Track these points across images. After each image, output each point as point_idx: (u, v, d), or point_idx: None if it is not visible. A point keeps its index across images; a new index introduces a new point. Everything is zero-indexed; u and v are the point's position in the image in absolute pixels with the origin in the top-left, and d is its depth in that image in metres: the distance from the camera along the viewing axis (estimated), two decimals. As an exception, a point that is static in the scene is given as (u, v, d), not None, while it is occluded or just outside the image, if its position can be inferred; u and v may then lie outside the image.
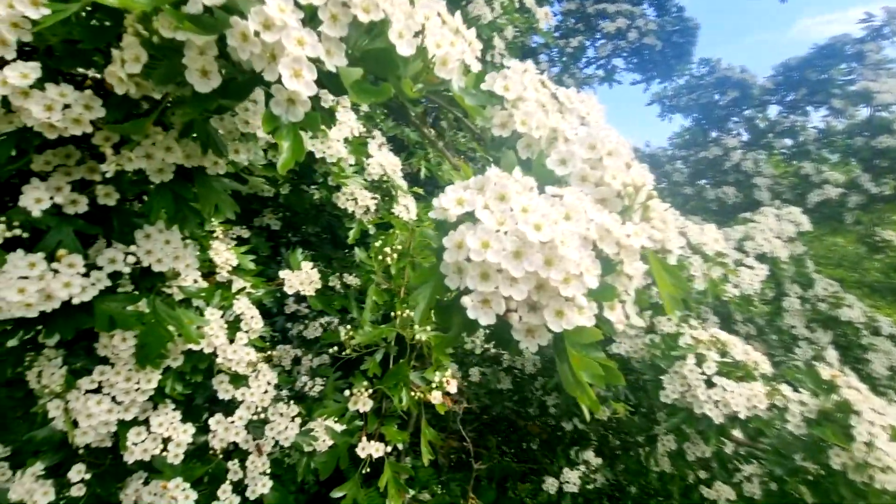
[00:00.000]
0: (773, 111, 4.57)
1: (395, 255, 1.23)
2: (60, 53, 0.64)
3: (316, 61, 0.50)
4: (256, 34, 0.47)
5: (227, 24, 0.47)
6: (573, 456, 2.90)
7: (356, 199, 1.71)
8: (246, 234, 1.81)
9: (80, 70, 0.67)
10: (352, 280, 1.96)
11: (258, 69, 0.49)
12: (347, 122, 1.55)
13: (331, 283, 2.01)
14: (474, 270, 0.48)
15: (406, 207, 1.86)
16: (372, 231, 1.76)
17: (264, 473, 1.25)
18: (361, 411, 1.06)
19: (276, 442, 1.32)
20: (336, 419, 1.09)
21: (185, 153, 0.77)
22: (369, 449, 1.03)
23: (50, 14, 0.55)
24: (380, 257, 1.20)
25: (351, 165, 1.70)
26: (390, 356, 1.15)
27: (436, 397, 1.04)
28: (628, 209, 0.58)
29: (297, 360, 2.16)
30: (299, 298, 1.86)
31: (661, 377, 1.52)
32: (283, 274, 1.53)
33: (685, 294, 0.60)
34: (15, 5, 0.60)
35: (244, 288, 1.41)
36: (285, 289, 1.52)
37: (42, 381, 1.06)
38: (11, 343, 0.98)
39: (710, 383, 1.42)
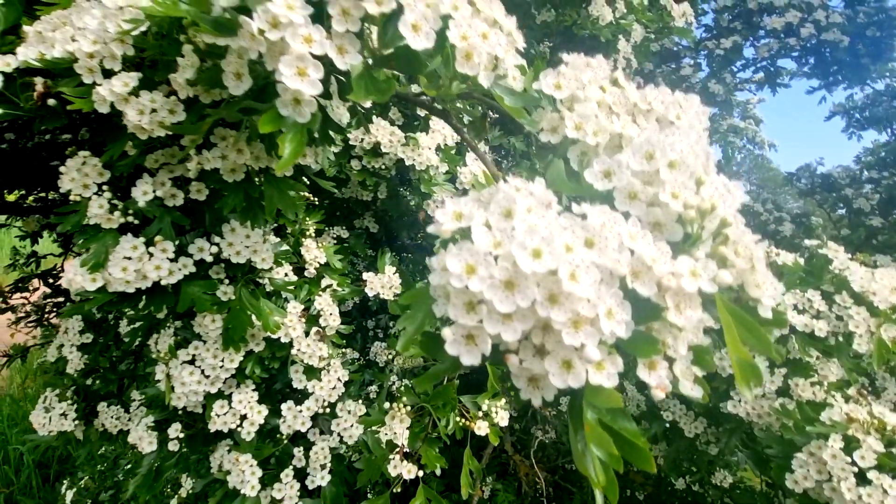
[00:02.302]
0: None
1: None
2: (157, 65, 0.73)
3: (326, 60, 0.48)
4: (261, 32, 0.46)
5: (240, 24, 0.48)
6: (682, 524, 2.48)
7: (446, 207, 1.70)
8: (345, 234, 1.92)
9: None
10: (439, 288, 1.95)
11: (269, 69, 0.49)
12: (441, 130, 1.54)
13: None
14: (457, 299, 0.40)
15: (487, 175, 1.79)
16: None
17: (324, 466, 1.29)
18: (397, 429, 1.03)
19: (340, 438, 1.36)
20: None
21: (254, 155, 0.82)
22: (401, 468, 0.99)
23: (129, 27, 0.61)
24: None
25: (444, 173, 1.69)
26: (444, 376, 1.09)
27: (480, 427, 0.95)
28: (693, 239, 0.44)
29: (392, 359, 2.23)
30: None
31: (793, 456, 1.20)
32: (367, 276, 1.59)
33: (773, 355, 0.43)
34: (122, 25, 0.70)
35: (330, 285, 1.49)
36: (366, 290, 1.57)
37: (157, 346, 1.25)
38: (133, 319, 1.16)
39: (862, 479, 1.07)
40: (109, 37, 0.71)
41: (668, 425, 1.70)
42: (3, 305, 2.59)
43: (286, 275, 1.36)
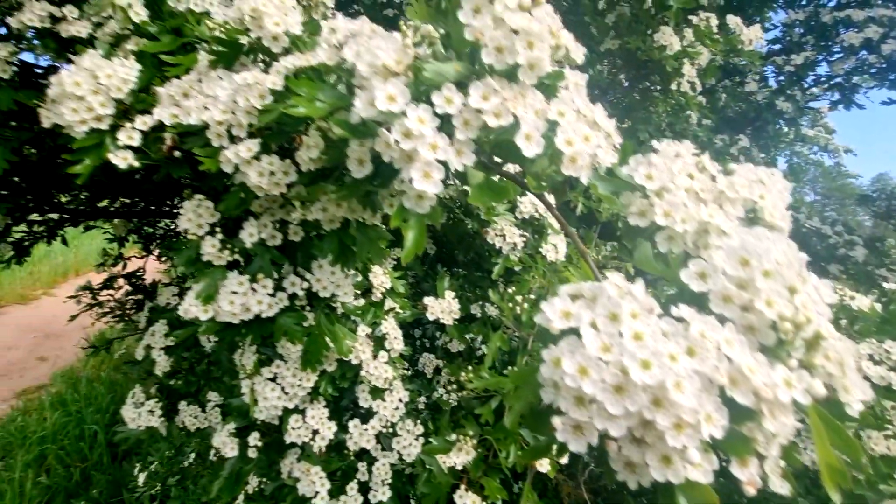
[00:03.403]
0: None
1: (524, 304, 1.22)
2: (273, 134, 0.82)
3: (445, 162, 0.55)
4: (396, 142, 0.53)
5: (376, 133, 0.55)
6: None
7: (504, 235, 1.75)
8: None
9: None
10: (493, 311, 2.01)
11: (397, 167, 0.56)
12: (504, 164, 1.59)
13: (473, 311, 2.09)
14: (568, 393, 0.45)
15: (555, 246, 1.83)
16: (518, 268, 1.78)
17: (386, 482, 1.38)
18: (463, 460, 1.09)
19: (400, 455, 1.44)
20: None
21: (350, 208, 0.90)
22: (466, 499, 1.05)
23: (268, 110, 0.71)
24: (510, 304, 1.21)
25: (504, 204, 1.75)
26: (506, 407, 1.14)
27: (543, 463, 1.00)
28: (786, 345, 0.48)
29: (437, 370, 2.30)
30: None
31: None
32: (427, 300, 1.66)
33: (860, 460, 0.46)
34: (251, 100, 0.80)
35: (393, 308, 1.58)
36: (427, 315, 1.64)
37: (241, 361, 1.37)
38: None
39: (940, 546, 1.03)
40: (238, 108, 0.81)
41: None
42: (93, 301, 2.86)
43: (355, 299, 1.46)
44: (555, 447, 0.50)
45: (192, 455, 2.76)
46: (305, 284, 1.07)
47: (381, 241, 0.96)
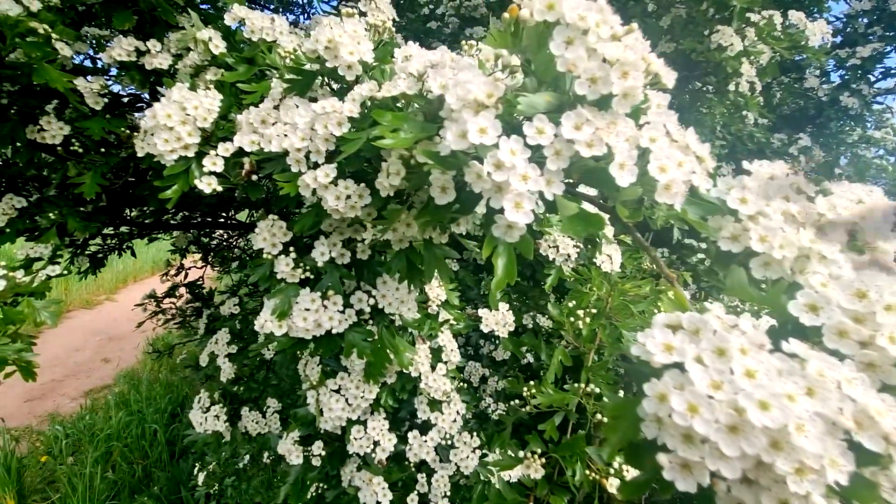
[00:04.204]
0: None
1: (587, 319, 1.20)
2: (349, 159, 0.85)
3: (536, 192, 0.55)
4: (488, 174, 0.54)
5: (465, 163, 0.56)
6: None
7: (557, 246, 1.73)
8: (455, 266, 2.03)
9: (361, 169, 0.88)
10: (544, 322, 1.99)
11: (486, 197, 0.57)
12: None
13: (524, 321, 2.08)
14: (676, 431, 0.45)
15: (609, 257, 1.79)
16: (571, 280, 1.76)
17: (446, 495, 1.39)
18: (532, 477, 1.08)
19: (458, 467, 1.45)
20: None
21: (421, 229, 0.92)
22: (537, 519, 1.04)
23: (351, 139, 0.73)
24: (570, 318, 1.19)
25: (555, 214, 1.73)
26: (570, 423, 1.13)
27: (612, 485, 0.98)
28: (911, 382, 0.45)
29: (483, 379, 2.29)
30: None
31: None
32: (482, 313, 1.67)
33: None
34: (329, 127, 0.83)
35: (447, 320, 1.60)
36: (482, 327, 1.65)
37: (305, 372, 1.42)
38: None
39: None
40: (317, 135, 0.84)
41: None
42: (157, 308, 3.04)
43: (410, 310, 1.48)
44: (655, 483, 0.49)
45: (248, 457, 2.88)
46: (371, 301, 1.10)
47: (447, 259, 0.98)
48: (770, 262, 0.59)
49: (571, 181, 0.61)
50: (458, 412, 1.45)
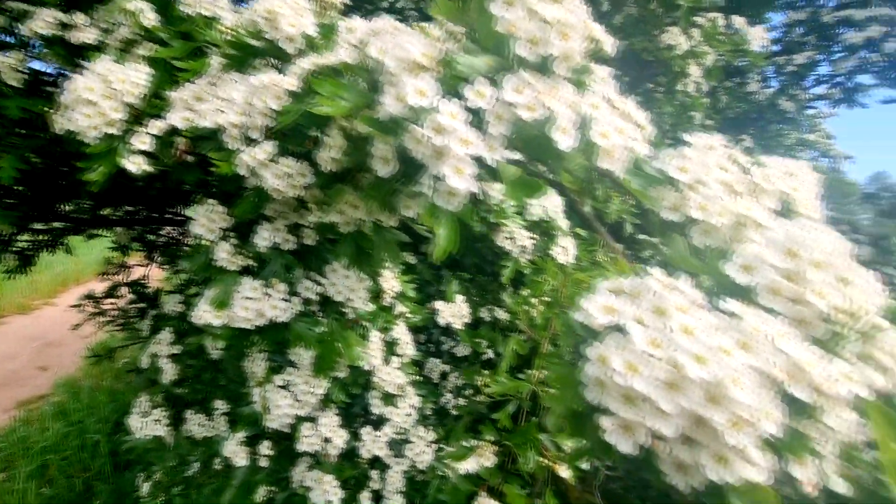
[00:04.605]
0: None
1: (540, 307, 1.20)
2: (289, 135, 0.81)
3: (477, 157, 0.53)
4: (428, 138, 0.51)
5: (406, 129, 0.54)
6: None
7: (514, 237, 1.73)
8: (412, 260, 1.99)
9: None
10: (502, 315, 1.99)
11: (427, 164, 0.54)
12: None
13: (481, 315, 2.07)
14: (616, 392, 0.44)
15: (564, 249, 1.81)
16: (528, 271, 1.76)
17: (400, 491, 1.35)
18: (478, 466, 1.06)
19: (413, 462, 1.42)
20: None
21: (368, 210, 0.89)
22: (489, 506, 1.03)
23: (287, 111, 0.69)
24: (525, 307, 1.19)
25: (512, 206, 1.73)
26: (523, 411, 1.12)
27: (563, 470, 0.98)
28: (839, 338, 0.46)
29: (444, 376, 2.27)
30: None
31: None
32: (438, 305, 1.65)
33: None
34: (267, 101, 0.78)
35: (403, 313, 1.56)
36: (438, 319, 1.62)
37: (252, 369, 1.35)
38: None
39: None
40: (254, 110, 0.79)
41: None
42: (96, 310, 2.83)
43: (365, 303, 1.44)
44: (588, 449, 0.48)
45: (197, 464, 2.73)
46: (319, 289, 1.05)
47: (397, 243, 0.95)
48: (709, 230, 0.60)
49: (517, 150, 0.59)
50: (412, 406, 1.42)
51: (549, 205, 1.72)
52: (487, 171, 0.55)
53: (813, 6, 3.50)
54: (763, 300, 0.48)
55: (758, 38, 2.30)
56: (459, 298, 1.68)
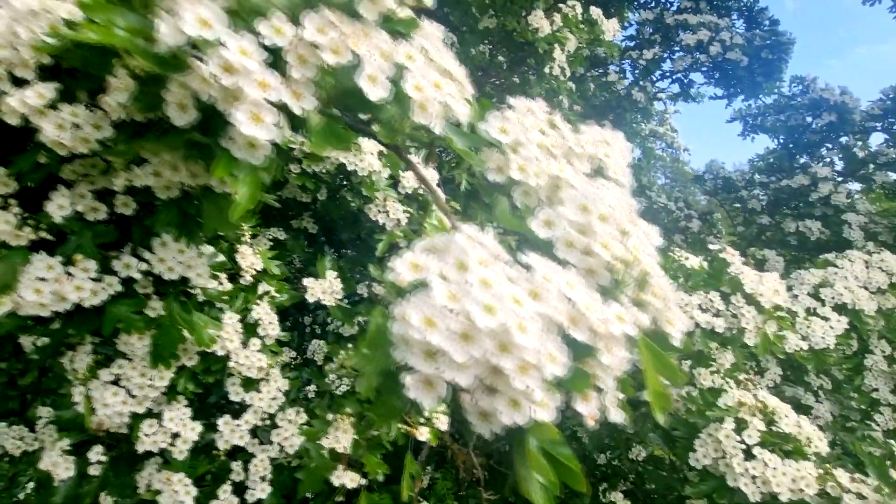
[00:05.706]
0: (876, 139, 4.04)
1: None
2: (78, 77, 0.67)
3: (281, 105, 0.48)
4: (215, 77, 0.45)
5: (189, 66, 0.46)
6: (601, 496, 2.72)
7: (388, 211, 1.71)
8: (282, 236, 1.86)
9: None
10: (380, 290, 1.96)
11: (221, 109, 0.48)
12: (383, 136, 1.54)
13: (359, 291, 2.03)
14: (416, 348, 0.43)
15: (441, 220, 1.83)
16: (403, 244, 1.75)
17: (264, 478, 1.27)
18: (341, 440, 1.04)
19: (281, 447, 1.34)
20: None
21: (192, 173, 0.78)
22: (344, 478, 1.01)
23: (47, 46, 0.56)
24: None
25: (387, 178, 1.70)
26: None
27: (423, 433, 1.00)
28: (619, 285, 0.50)
29: (329, 358, 2.19)
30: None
31: (695, 437, 1.37)
32: (307, 282, 1.56)
33: (680, 384, 0.51)
34: (37, 32, 0.63)
35: (268, 292, 1.45)
36: (307, 297, 1.54)
37: (73, 365, 1.15)
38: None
39: (749, 454, 1.26)
40: (21, 42, 0.64)
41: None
42: None
43: (220, 284, 1.30)
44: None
45: (31, 485, 2.31)
46: (144, 266, 0.91)
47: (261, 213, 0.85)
48: (528, 191, 0.62)
49: (337, 104, 0.55)
50: (279, 389, 1.33)
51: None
52: (294, 121, 0.50)
53: (659, 8, 3.95)
54: (560, 253, 0.50)
55: (611, 30, 2.51)
56: (332, 274, 1.61)
